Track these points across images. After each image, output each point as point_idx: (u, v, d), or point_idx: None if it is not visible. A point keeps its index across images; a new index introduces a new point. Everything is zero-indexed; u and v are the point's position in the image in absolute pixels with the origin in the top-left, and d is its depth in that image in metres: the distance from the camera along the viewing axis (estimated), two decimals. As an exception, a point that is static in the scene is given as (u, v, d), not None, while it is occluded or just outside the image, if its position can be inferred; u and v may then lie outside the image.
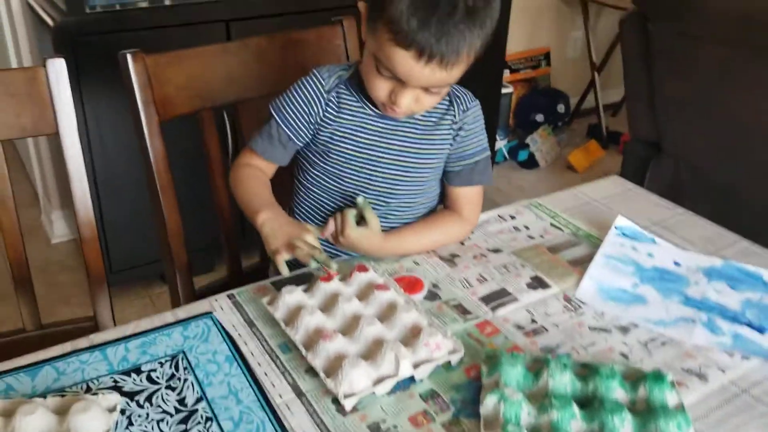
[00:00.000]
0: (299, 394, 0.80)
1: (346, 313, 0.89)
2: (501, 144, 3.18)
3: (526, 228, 1.16)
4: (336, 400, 0.78)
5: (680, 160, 2.18)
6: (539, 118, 3.33)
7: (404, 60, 0.91)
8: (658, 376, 0.80)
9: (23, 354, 1.17)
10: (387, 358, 0.80)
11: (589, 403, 0.79)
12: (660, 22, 2.04)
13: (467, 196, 1.11)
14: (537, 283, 1.01)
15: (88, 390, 0.80)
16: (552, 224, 1.17)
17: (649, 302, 0.99)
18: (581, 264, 1.06)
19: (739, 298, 1.01)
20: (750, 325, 0.95)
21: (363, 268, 0.97)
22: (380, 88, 0.98)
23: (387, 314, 0.90)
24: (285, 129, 1.06)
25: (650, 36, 2.08)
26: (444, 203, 1.15)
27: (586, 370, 0.83)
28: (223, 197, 1.27)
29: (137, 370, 0.83)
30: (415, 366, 0.82)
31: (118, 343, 0.87)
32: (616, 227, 1.13)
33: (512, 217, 1.19)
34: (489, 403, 0.76)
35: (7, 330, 1.19)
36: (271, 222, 0.98)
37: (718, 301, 1.00)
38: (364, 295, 0.94)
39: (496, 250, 1.09)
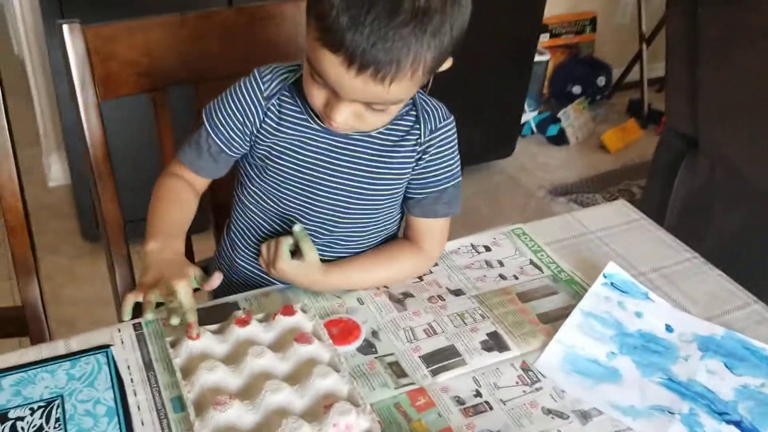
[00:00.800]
0: (178, 470, 0.69)
1: (253, 370, 0.76)
2: (530, 116, 2.97)
3: (500, 264, 1.00)
4: (219, 483, 0.67)
5: (718, 160, 1.98)
6: (576, 89, 3.10)
7: (332, 66, 0.74)
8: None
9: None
10: (284, 440, 0.68)
11: None
12: (711, 8, 1.80)
13: (429, 228, 0.95)
14: (494, 343, 0.87)
15: (-61, 440, 0.69)
16: (531, 261, 1.01)
17: (623, 380, 0.84)
18: (553, 320, 0.91)
19: (735, 383, 0.85)
20: (739, 425, 0.80)
21: (289, 311, 0.84)
22: (315, 96, 0.82)
23: (302, 374, 0.76)
24: (215, 139, 0.91)
25: (699, 22, 1.85)
26: (404, 231, 1.00)
27: (522, 478, 0.70)
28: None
29: (3, 417, 0.72)
30: (317, 450, 0.69)
31: (-9, 379, 0.76)
32: (605, 275, 0.97)
33: (487, 249, 1.03)
34: None
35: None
36: (155, 254, 0.85)
37: (708, 386, 0.84)
38: (282, 345, 0.81)
39: (458, 292, 0.94)
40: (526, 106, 2.87)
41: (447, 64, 0.80)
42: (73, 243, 2.22)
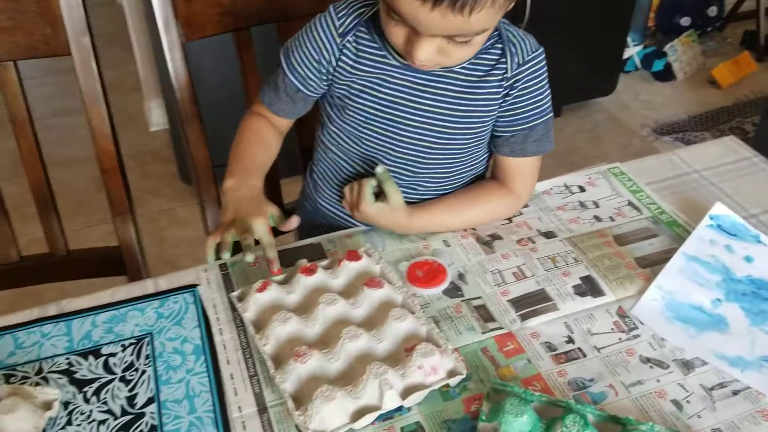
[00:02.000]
0: (262, 409, 0.69)
1: (327, 318, 0.74)
2: (633, 50, 2.80)
3: (596, 205, 0.94)
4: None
5: None
6: (685, 21, 2.88)
7: (406, 2, 0.70)
8: (706, 457, 0.61)
9: (48, 278, 1.16)
10: (370, 386, 0.66)
11: (608, 475, 0.62)
12: None
13: (519, 167, 0.90)
14: (587, 288, 0.82)
15: (39, 372, 0.72)
16: (630, 203, 0.95)
17: (730, 328, 0.78)
18: (652, 265, 0.85)
19: None
20: None
21: (354, 256, 0.81)
22: (395, 35, 0.77)
23: (378, 319, 0.75)
24: (292, 79, 0.89)
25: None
26: (492, 171, 0.95)
27: (616, 429, 0.66)
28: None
29: (96, 353, 0.74)
30: (406, 393, 0.68)
31: (86, 316, 0.78)
32: (710, 217, 0.89)
33: (581, 189, 0.97)
34: (474, 463, 0.61)
35: (31, 254, 1.15)
36: (232, 193, 0.84)
37: (828, 338, 0.76)
38: (352, 291, 0.78)
39: (549, 234, 0.89)
40: (629, 40, 2.69)
41: None
42: (175, 186, 2.30)
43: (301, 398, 0.67)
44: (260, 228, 0.79)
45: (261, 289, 0.77)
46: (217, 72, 1.81)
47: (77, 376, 0.72)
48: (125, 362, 0.73)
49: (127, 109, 2.61)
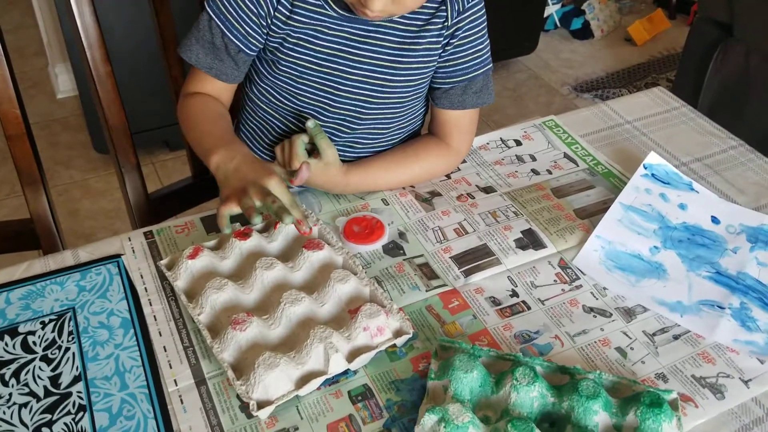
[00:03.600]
0: (200, 381, 0.65)
1: (265, 283, 0.70)
2: (552, 9, 2.82)
3: (532, 158, 0.93)
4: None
5: (753, 48, 1.86)
6: (601, -21, 2.91)
7: None
8: (655, 402, 0.61)
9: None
10: (314, 351, 0.63)
11: (560, 425, 0.62)
12: None
13: (457, 121, 0.88)
14: (529, 241, 0.81)
15: (-51, 356, 0.66)
16: (565, 155, 0.94)
17: (668, 274, 0.79)
18: (590, 216, 0.85)
19: (787, 275, 0.79)
20: (794, 318, 0.75)
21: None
22: None
23: (318, 281, 0.72)
24: (231, 37, 0.81)
25: None
26: (429, 125, 0.92)
27: (564, 379, 0.65)
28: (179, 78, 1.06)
29: (13, 332, 0.68)
30: (352, 356, 0.65)
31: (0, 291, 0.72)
32: (645, 166, 0.90)
33: (518, 143, 0.96)
34: (427, 423, 0.60)
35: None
36: (226, 164, 0.74)
37: (760, 279, 0.79)
38: (290, 254, 0.75)
39: (488, 189, 0.88)
40: (548, 0, 2.71)
41: None
42: (86, 156, 2.17)
43: (242, 367, 0.64)
44: (277, 188, 0.71)
45: (192, 256, 0.72)
46: (129, 29, 1.71)
47: (-8, 358, 0.66)
48: (46, 340, 0.68)
49: (30, 76, 2.45)
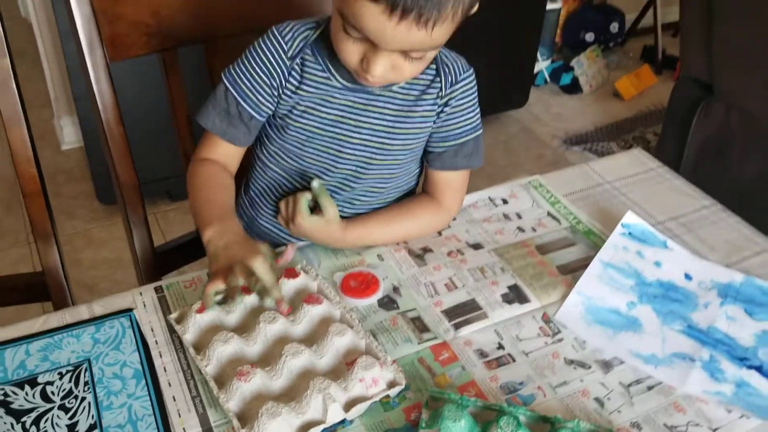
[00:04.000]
0: (207, 430, 0.70)
1: (268, 336, 0.76)
2: (543, 65, 2.93)
3: (518, 216, 1.00)
4: (247, 442, 0.68)
5: (733, 105, 1.95)
6: (589, 37, 3.04)
7: (373, 16, 0.72)
8: (628, 449, 0.66)
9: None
10: (314, 401, 0.69)
11: (541, 471, 0.67)
12: (728, -51, 1.75)
13: (449, 181, 0.95)
14: (514, 296, 0.87)
15: (-28, 404, 0.71)
16: (549, 213, 1.01)
17: (644, 329, 0.84)
18: (572, 272, 0.91)
19: (755, 329, 0.85)
20: (760, 369, 0.80)
21: (292, 273, 0.84)
22: (350, 52, 0.80)
23: (318, 335, 0.77)
24: (245, 106, 0.89)
25: (715, -36, 1.80)
26: (423, 185, 0.99)
27: (545, 428, 0.70)
28: (190, 148, 1.13)
29: (33, 382, 0.73)
30: (348, 406, 0.70)
31: (19, 344, 0.77)
32: (622, 225, 0.96)
33: (505, 201, 1.03)
34: (417, 468, 0.64)
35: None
36: (216, 240, 0.81)
37: (728, 333, 0.84)
38: (292, 308, 0.80)
39: (477, 246, 0.94)
40: (538, 56, 2.83)
41: (476, 7, 0.78)
42: (89, 206, 2.23)
43: (247, 417, 0.69)
44: (261, 268, 0.77)
45: (200, 310, 0.78)
46: (139, 90, 1.79)
47: (14, 406, 0.71)
48: (64, 390, 0.72)
49: (36, 128, 2.52)
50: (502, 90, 2.64)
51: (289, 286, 0.83)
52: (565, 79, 2.93)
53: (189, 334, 0.76)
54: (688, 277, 0.91)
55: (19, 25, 2.87)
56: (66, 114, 2.44)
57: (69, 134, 2.47)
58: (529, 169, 2.45)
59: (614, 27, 3.08)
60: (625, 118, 2.80)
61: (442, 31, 0.75)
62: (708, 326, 0.85)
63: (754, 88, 1.88)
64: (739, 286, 0.90)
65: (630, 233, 0.96)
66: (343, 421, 0.70)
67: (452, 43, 0.83)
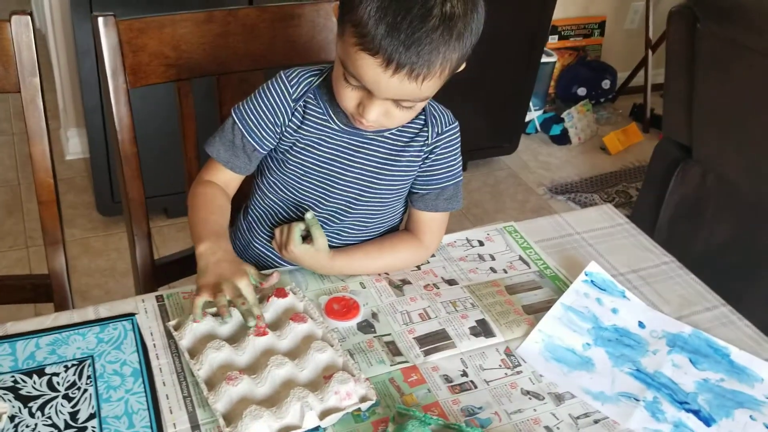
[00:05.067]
0: (195, 426, 0.78)
1: (256, 348, 0.85)
2: (534, 115, 3.05)
3: (492, 258, 1.09)
4: (230, 439, 0.76)
5: (709, 169, 2.06)
6: (581, 91, 3.17)
7: (370, 68, 0.82)
8: (568, 471, 0.75)
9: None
10: (292, 407, 0.77)
11: (490, 486, 0.75)
12: (709, 23, 1.88)
13: (429, 221, 1.04)
14: (481, 329, 0.95)
15: (-15, 388, 0.78)
16: (520, 257, 1.10)
17: (596, 368, 0.93)
18: (536, 312, 0.99)
19: (696, 377, 0.94)
20: (698, 413, 0.89)
21: (281, 293, 0.92)
22: (348, 98, 0.90)
23: (301, 350, 0.86)
24: (250, 139, 0.99)
25: (697, 35, 1.92)
26: (406, 223, 1.08)
27: (497, 448, 0.79)
28: (195, 171, 1.22)
29: (40, 372, 0.81)
30: (323, 415, 0.78)
31: (30, 338, 0.85)
32: (586, 273, 1.05)
33: (480, 243, 1.12)
34: (380, 474, 0.72)
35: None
36: (208, 256, 0.89)
37: (672, 378, 0.93)
38: (278, 324, 0.89)
39: (451, 282, 1.03)
40: (531, 105, 2.95)
41: (462, 66, 0.88)
42: (88, 216, 2.31)
43: (231, 417, 0.77)
44: (245, 288, 0.86)
45: (197, 320, 0.86)
46: (150, 113, 1.88)
47: (22, 392, 0.78)
48: (68, 381, 0.80)
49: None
50: (494, 136, 2.76)
51: (278, 304, 0.91)
52: (555, 129, 3.05)
53: (185, 340, 0.85)
54: (641, 325, 1.00)
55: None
56: (73, 126, 2.53)
57: (74, 145, 2.56)
58: (512, 214, 2.55)
59: (606, 83, 3.22)
60: (610, 172, 2.91)
61: (431, 85, 0.85)
62: (654, 370, 0.93)
63: (729, 152, 1.99)
64: (686, 337, 0.99)
65: (592, 281, 1.05)
66: (317, 429, 0.78)
67: (450, 87, 0.93)
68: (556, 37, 3.13)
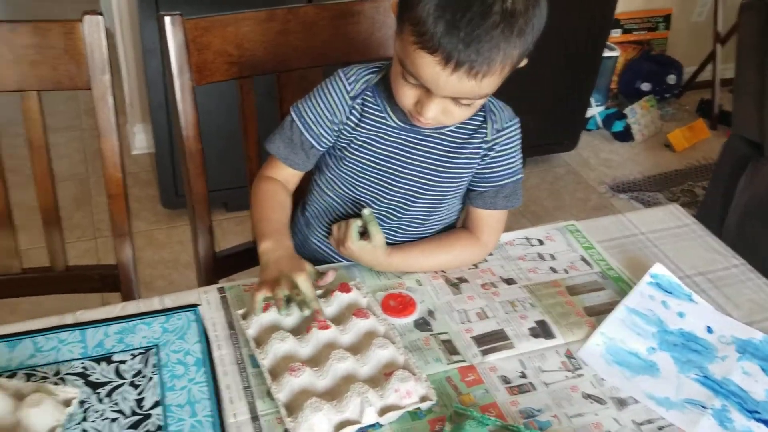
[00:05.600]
0: (254, 417, 0.79)
1: (319, 341, 0.86)
2: (596, 110, 2.99)
3: (552, 257, 1.07)
4: (288, 432, 0.77)
5: (783, 168, 1.98)
6: (645, 86, 3.09)
7: (429, 66, 0.82)
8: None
9: (47, 290, 1.24)
10: (353, 402, 0.77)
11: (548, 490, 0.74)
12: (786, 16, 1.80)
13: (487, 219, 1.03)
14: (541, 330, 0.94)
15: (57, 373, 0.81)
16: (582, 258, 1.08)
17: (660, 373, 0.90)
18: (598, 314, 0.97)
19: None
20: None
21: (345, 288, 0.93)
22: (406, 96, 0.90)
23: (362, 345, 0.86)
24: (308, 137, 1.00)
25: (772, 28, 1.85)
26: (463, 220, 1.08)
27: (557, 451, 0.77)
28: (255, 167, 1.24)
29: (108, 359, 0.84)
30: (383, 412, 0.79)
31: (99, 326, 0.88)
32: (651, 275, 1.02)
33: (540, 242, 1.10)
34: (437, 473, 0.72)
35: (34, 266, 1.23)
36: (270, 253, 0.92)
37: (742, 386, 0.90)
38: (341, 319, 0.90)
39: (509, 281, 1.02)
40: (592, 101, 2.89)
41: (524, 62, 0.87)
42: (153, 209, 2.38)
43: (292, 407, 0.78)
44: (304, 283, 0.88)
45: (264, 309, 0.88)
46: (213, 110, 1.92)
47: (91, 378, 0.81)
48: (134, 369, 0.83)
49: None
50: (553, 132, 2.71)
51: (341, 299, 0.92)
52: (618, 126, 2.98)
53: (251, 329, 0.87)
54: (709, 330, 0.97)
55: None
56: (139, 121, 2.60)
57: (140, 140, 2.63)
58: (572, 212, 2.51)
59: (671, 78, 3.13)
60: (675, 170, 2.83)
61: (491, 82, 0.84)
62: (723, 377, 0.90)
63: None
64: (758, 343, 0.95)
65: (657, 283, 1.02)
66: (374, 425, 0.79)
67: (509, 80, 0.91)
68: (620, 30, 3.06)
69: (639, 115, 3.00)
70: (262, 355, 0.83)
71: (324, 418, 0.75)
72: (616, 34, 3.02)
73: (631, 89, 3.10)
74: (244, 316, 0.89)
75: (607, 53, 2.74)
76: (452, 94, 0.86)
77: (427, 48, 0.80)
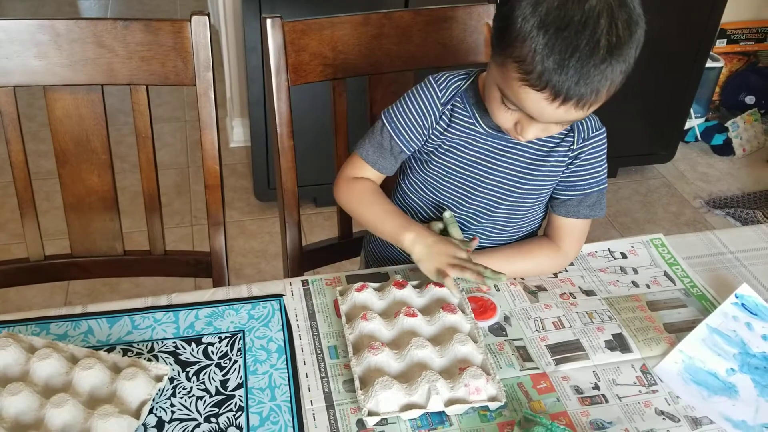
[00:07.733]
0: (329, 406, 0.83)
1: (403, 326, 0.90)
2: (695, 122, 2.88)
3: (634, 271, 1.06)
4: (361, 421, 0.80)
5: None
6: (749, 99, 2.96)
7: (536, 101, 0.83)
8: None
9: (146, 272, 1.32)
10: (421, 387, 0.81)
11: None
12: None
13: (570, 227, 1.03)
14: (617, 344, 0.93)
15: (151, 350, 0.88)
16: (666, 273, 1.06)
17: (739, 396, 0.88)
18: (678, 331, 0.96)
19: None
20: None
21: (440, 284, 0.96)
22: (505, 119, 0.91)
23: (444, 338, 0.89)
24: (398, 141, 1.03)
25: None
26: (545, 228, 1.08)
27: (625, 465, 0.77)
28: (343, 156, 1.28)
29: (198, 341, 0.90)
30: (449, 403, 0.81)
31: (191, 309, 0.94)
32: (736, 295, 1.00)
33: (623, 256, 1.09)
34: (502, 475, 0.74)
35: (135, 249, 1.32)
36: (421, 241, 0.95)
37: (827, 416, 0.86)
38: (429, 310, 0.93)
39: (589, 292, 1.02)
40: (692, 112, 2.79)
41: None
42: (246, 200, 2.48)
43: (366, 381, 0.83)
44: (469, 261, 0.93)
45: (359, 289, 0.94)
46: (305, 108, 1.99)
47: (182, 357, 0.87)
48: (221, 351, 0.88)
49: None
50: (649, 142, 2.64)
51: (434, 292, 0.96)
52: (718, 139, 2.87)
53: (345, 305, 0.93)
54: (795, 355, 0.94)
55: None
56: (238, 116, 2.72)
57: (238, 134, 2.74)
58: (664, 226, 2.44)
59: (779, 92, 2.98)
60: (777, 188, 2.70)
61: (596, 106, 0.85)
62: (806, 405, 0.87)
63: None
64: None
65: (743, 304, 0.99)
66: (442, 421, 0.81)
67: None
68: (725, 41, 2.94)
69: (741, 128, 2.87)
70: (349, 330, 0.89)
71: (392, 397, 0.80)
72: (720, 44, 2.90)
73: (734, 102, 2.97)
74: (342, 293, 0.95)
75: (710, 63, 2.64)
76: (557, 121, 0.87)
77: (535, 86, 0.81)
